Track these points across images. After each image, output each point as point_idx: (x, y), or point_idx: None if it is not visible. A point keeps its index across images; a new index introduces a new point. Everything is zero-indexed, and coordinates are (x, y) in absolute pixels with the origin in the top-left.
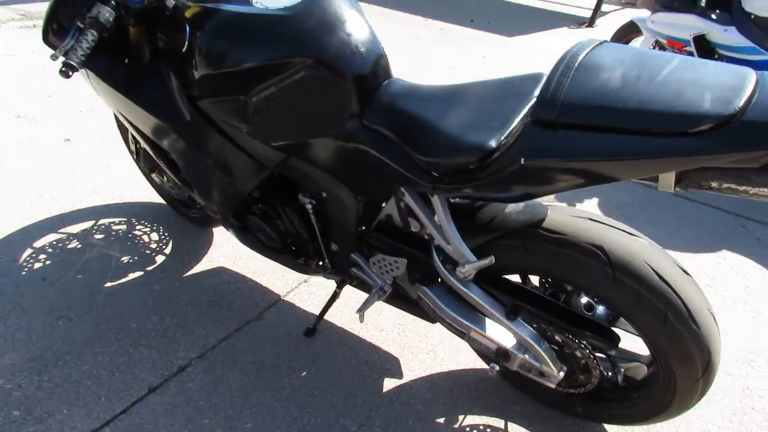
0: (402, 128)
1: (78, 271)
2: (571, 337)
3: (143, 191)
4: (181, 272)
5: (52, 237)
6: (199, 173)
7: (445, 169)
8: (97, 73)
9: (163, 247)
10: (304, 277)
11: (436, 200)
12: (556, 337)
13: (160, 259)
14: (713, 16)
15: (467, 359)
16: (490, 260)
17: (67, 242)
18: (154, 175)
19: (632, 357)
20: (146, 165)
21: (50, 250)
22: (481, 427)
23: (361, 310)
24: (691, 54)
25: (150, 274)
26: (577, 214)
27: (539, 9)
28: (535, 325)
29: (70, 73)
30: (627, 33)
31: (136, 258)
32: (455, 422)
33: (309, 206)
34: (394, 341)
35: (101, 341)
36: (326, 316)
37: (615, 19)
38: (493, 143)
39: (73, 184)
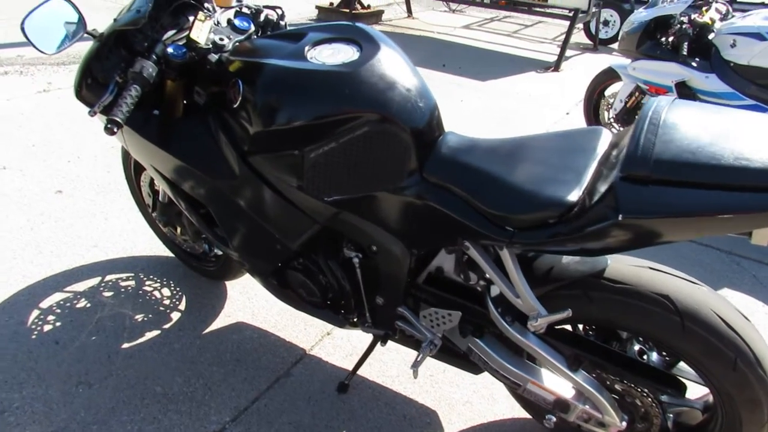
0: (468, 182)
1: (91, 333)
2: (634, 385)
3: (145, 244)
4: (200, 329)
5: (58, 296)
6: (243, 229)
7: (523, 224)
8: (132, 127)
9: (177, 302)
10: (327, 329)
11: (505, 254)
12: (616, 386)
13: (175, 315)
14: (694, 64)
15: (504, 409)
16: (567, 314)
17: (76, 301)
18: (166, 229)
19: (684, 403)
20: (163, 218)
21: (58, 310)
22: None
23: (415, 366)
24: None
25: (167, 333)
26: (637, 263)
27: (505, 54)
28: (594, 375)
29: (116, 130)
30: (605, 79)
31: (150, 316)
32: None
33: (355, 260)
34: (428, 393)
35: (127, 408)
36: (347, 367)
37: (577, 63)
38: (572, 198)
39: (73, 238)
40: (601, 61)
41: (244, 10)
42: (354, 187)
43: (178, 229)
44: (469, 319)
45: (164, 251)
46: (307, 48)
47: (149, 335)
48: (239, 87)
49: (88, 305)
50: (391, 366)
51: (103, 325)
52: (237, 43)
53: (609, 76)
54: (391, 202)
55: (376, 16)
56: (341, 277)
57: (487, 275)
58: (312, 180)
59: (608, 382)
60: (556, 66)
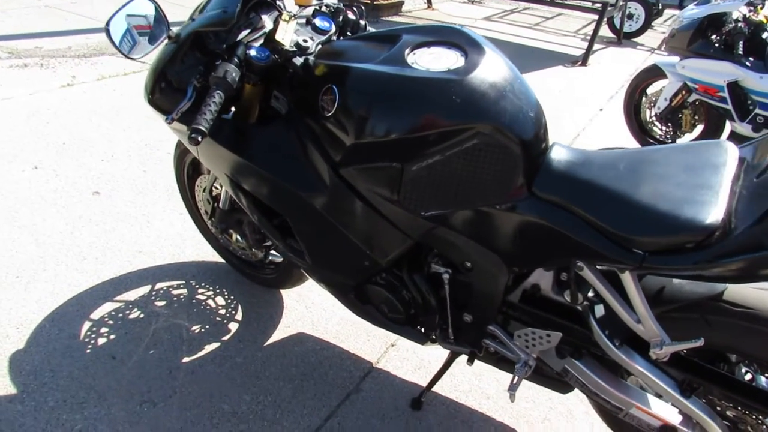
0: (588, 200)
1: (148, 346)
2: (748, 412)
3: (193, 249)
4: (261, 341)
5: (108, 306)
6: (326, 242)
7: (656, 247)
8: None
9: (233, 312)
10: (391, 340)
11: (627, 277)
12: (728, 413)
13: (233, 326)
14: (748, 64)
15: (584, 426)
16: (699, 343)
17: (128, 312)
18: (221, 236)
19: None
20: (221, 225)
21: (111, 321)
22: None
23: (513, 390)
24: (723, 99)
25: (227, 346)
26: (759, 285)
27: (529, 47)
28: (704, 400)
29: (200, 139)
30: (649, 76)
31: (207, 327)
32: None
33: (445, 276)
34: (505, 410)
35: (196, 429)
36: (419, 382)
37: (603, 56)
38: (713, 221)
39: (116, 243)
40: (626, 55)
41: (323, 8)
42: (456, 201)
43: (234, 237)
44: (568, 340)
45: (213, 257)
46: (406, 52)
47: (209, 348)
48: (335, 94)
49: (142, 316)
50: (462, 380)
51: (160, 338)
52: (320, 45)
53: (653, 73)
54: (495, 218)
55: (396, 7)
56: (427, 293)
57: (603, 297)
58: (410, 194)
59: (718, 408)
60: (583, 60)
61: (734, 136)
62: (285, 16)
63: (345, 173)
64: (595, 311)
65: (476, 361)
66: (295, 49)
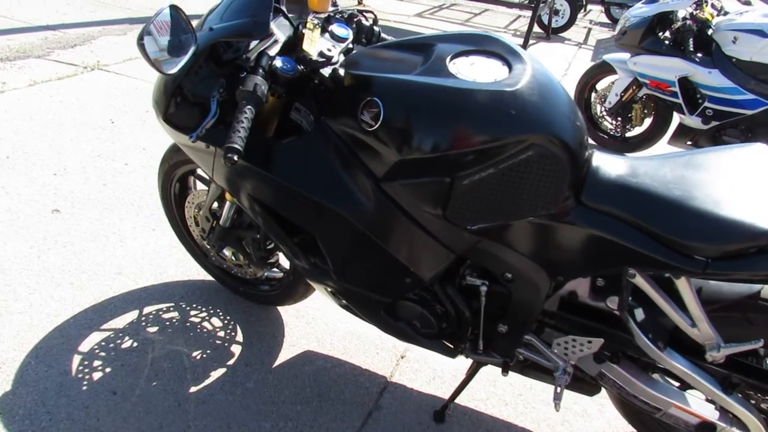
0: (642, 208)
1: (150, 377)
2: None
3: (175, 268)
4: (268, 363)
5: (96, 336)
6: (363, 260)
7: (721, 253)
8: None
9: (232, 333)
10: (400, 352)
11: (683, 282)
12: (762, 405)
13: (236, 349)
14: (697, 59)
15: (602, 425)
16: (759, 344)
17: (119, 341)
18: (214, 253)
19: None
20: (220, 243)
21: (102, 353)
22: None
23: (558, 400)
24: (674, 93)
25: (234, 371)
26: None
27: None
28: (740, 395)
29: (236, 159)
30: (597, 73)
31: (208, 352)
32: None
33: (482, 288)
34: (524, 415)
35: None
36: (436, 393)
37: (536, 52)
38: None
39: (90, 266)
40: (557, 50)
41: (339, 15)
42: (505, 214)
43: (229, 254)
44: (608, 345)
45: (198, 275)
46: (448, 62)
47: (215, 375)
48: (379, 107)
49: (135, 344)
50: (478, 389)
51: (160, 367)
52: (342, 54)
53: (602, 69)
54: (543, 229)
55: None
56: (461, 305)
57: (656, 303)
58: (458, 208)
59: (753, 401)
60: None
61: (682, 129)
62: (310, 24)
63: (388, 188)
64: (636, 315)
65: (492, 367)
66: (323, 59)
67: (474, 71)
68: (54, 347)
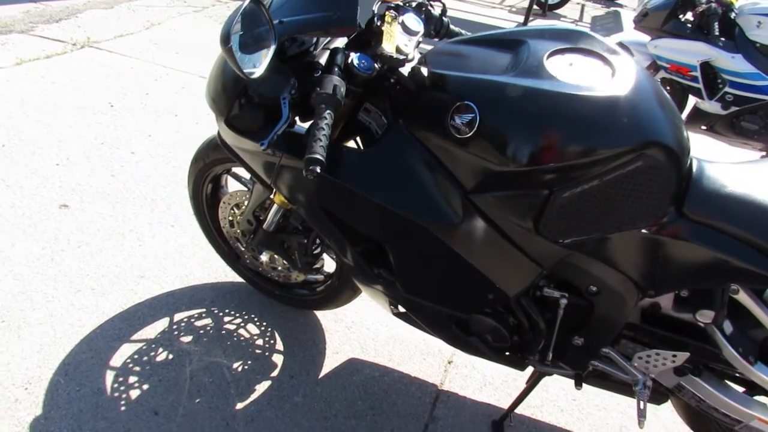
0: (752, 222)
1: (192, 394)
2: None
3: (201, 269)
4: (314, 373)
5: (127, 349)
6: (443, 274)
7: None
8: (291, 153)
9: (271, 341)
10: (447, 357)
11: None
12: None
13: (277, 359)
14: (720, 44)
15: (658, 429)
16: None
17: (152, 353)
18: (248, 254)
19: None
20: (262, 247)
21: (137, 368)
22: None
23: (642, 417)
24: (694, 78)
25: (280, 383)
26: None
27: (471, 22)
28: None
29: (319, 170)
30: None
31: (249, 363)
32: None
33: (562, 301)
34: (582, 421)
35: None
36: (490, 401)
37: None
38: None
39: (110, 268)
40: None
41: (410, 4)
42: (602, 227)
43: (266, 257)
44: (692, 359)
45: (226, 276)
46: (545, 62)
47: (260, 389)
48: (475, 113)
49: (171, 357)
50: (532, 395)
51: (201, 382)
52: (420, 51)
53: None
54: (639, 242)
55: None
56: (537, 318)
57: (759, 318)
58: (554, 222)
59: None
60: None
61: (697, 113)
62: (388, 17)
63: (478, 200)
64: (725, 328)
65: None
66: (402, 56)
67: (575, 73)
68: (83, 362)
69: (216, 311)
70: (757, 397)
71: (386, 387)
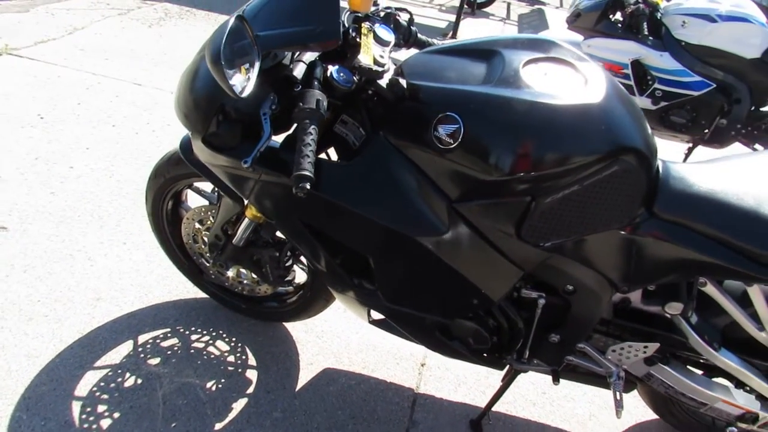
0: (717, 218)
1: (166, 419)
2: None
3: (160, 287)
4: (290, 387)
5: (92, 376)
6: (427, 282)
7: None
8: (270, 168)
9: (243, 357)
10: (419, 360)
11: (755, 290)
12: None
13: (251, 375)
14: (649, 43)
15: (625, 416)
16: None
17: (120, 379)
18: (213, 270)
19: None
20: (230, 262)
21: (105, 396)
22: None
23: (620, 407)
24: (626, 75)
25: (257, 399)
26: None
27: None
28: None
29: (308, 186)
30: None
31: (222, 381)
32: None
33: (540, 300)
34: (554, 414)
35: None
36: (465, 401)
37: (470, 29)
38: None
39: (62, 292)
40: (484, 26)
41: (379, 15)
42: (580, 229)
43: (233, 272)
44: (661, 349)
45: (187, 293)
46: (520, 71)
47: (237, 406)
48: (459, 124)
49: (139, 381)
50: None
51: (175, 405)
52: (394, 61)
53: None
54: (614, 242)
55: None
56: (516, 319)
57: (726, 309)
58: (535, 227)
59: None
60: (453, 32)
61: None
62: (364, 29)
63: (463, 209)
64: (690, 319)
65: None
66: (380, 68)
67: (551, 82)
68: (45, 395)
69: (182, 330)
70: (719, 380)
71: (364, 395)
